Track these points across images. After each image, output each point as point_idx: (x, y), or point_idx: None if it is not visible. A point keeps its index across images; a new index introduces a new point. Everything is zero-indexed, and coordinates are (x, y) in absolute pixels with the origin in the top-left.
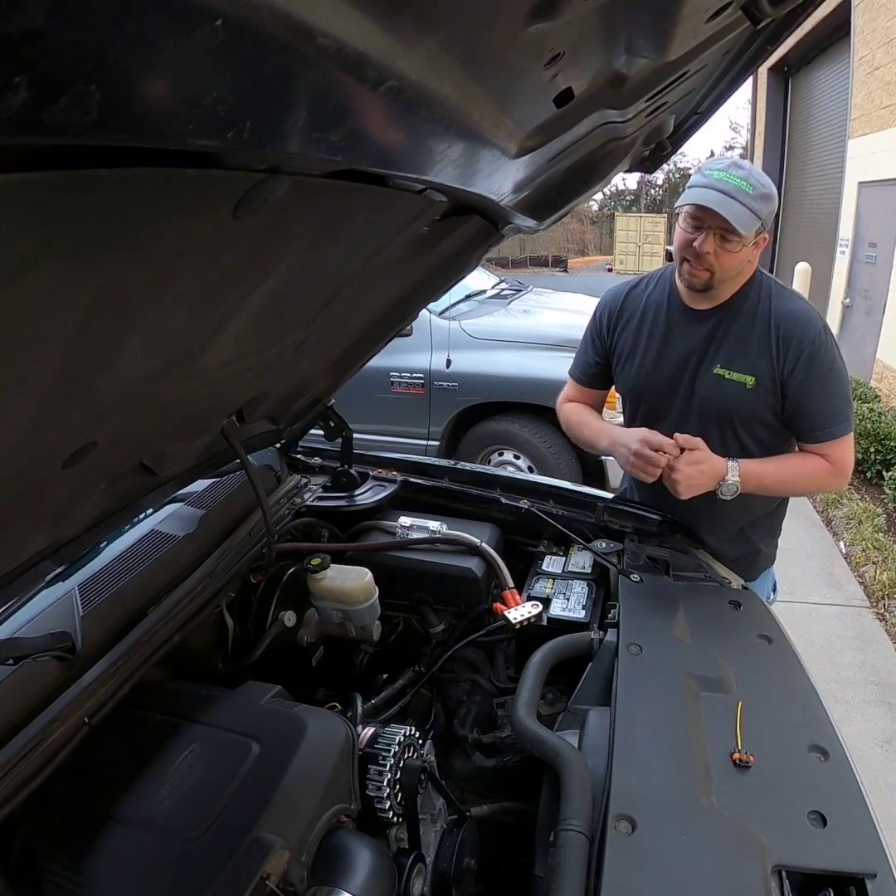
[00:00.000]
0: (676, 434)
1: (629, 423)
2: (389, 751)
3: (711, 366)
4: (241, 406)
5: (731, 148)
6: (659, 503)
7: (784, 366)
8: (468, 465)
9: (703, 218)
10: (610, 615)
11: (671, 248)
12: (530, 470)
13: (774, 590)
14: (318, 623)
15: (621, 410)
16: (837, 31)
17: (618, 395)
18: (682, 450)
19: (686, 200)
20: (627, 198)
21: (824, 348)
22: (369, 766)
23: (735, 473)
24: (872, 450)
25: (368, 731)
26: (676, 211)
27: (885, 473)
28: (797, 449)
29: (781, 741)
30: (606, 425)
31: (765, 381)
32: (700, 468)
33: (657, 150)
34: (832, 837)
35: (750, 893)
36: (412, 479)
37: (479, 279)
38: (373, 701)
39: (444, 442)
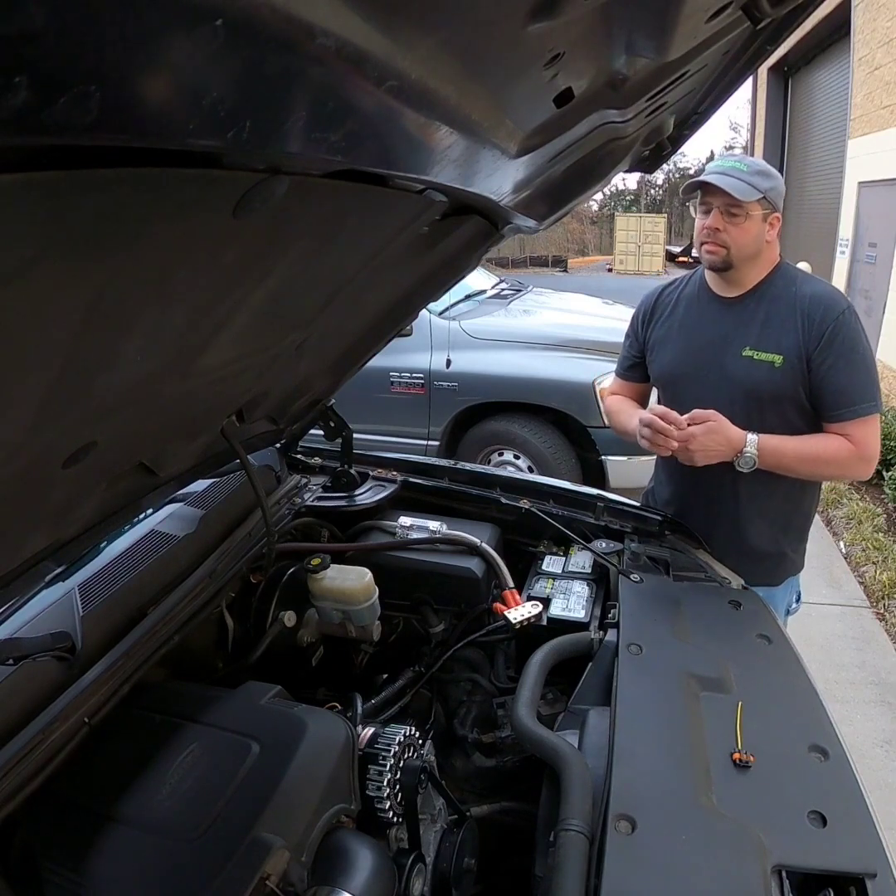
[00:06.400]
0: (693, 411)
1: None
2: (389, 751)
3: (741, 349)
4: (241, 406)
5: (730, 148)
6: (691, 489)
7: (809, 342)
8: (468, 465)
9: (708, 200)
10: (610, 615)
11: (671, 247)
12: (530, 470)
13: (798, 599)
14: (318, 623)
15: (657, 401)
16: (837, 31)
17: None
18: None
19: (690, 184)
20: (627, 198)
21: (848, 326)
22: (369, 766)
23: (753, 446)
24: None
25: (368, 731)
26: (687, 204)
27: (885, 473)
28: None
29: (781, 741)
30: (637, 410)
31: (792, 358)
32: (715, 438)
33: (657, 149)
34: (832, 837)
35: (750, 893)
36: (412, 479)
37: (479, 279)
38: (373, 701)
39: (444, 442)
